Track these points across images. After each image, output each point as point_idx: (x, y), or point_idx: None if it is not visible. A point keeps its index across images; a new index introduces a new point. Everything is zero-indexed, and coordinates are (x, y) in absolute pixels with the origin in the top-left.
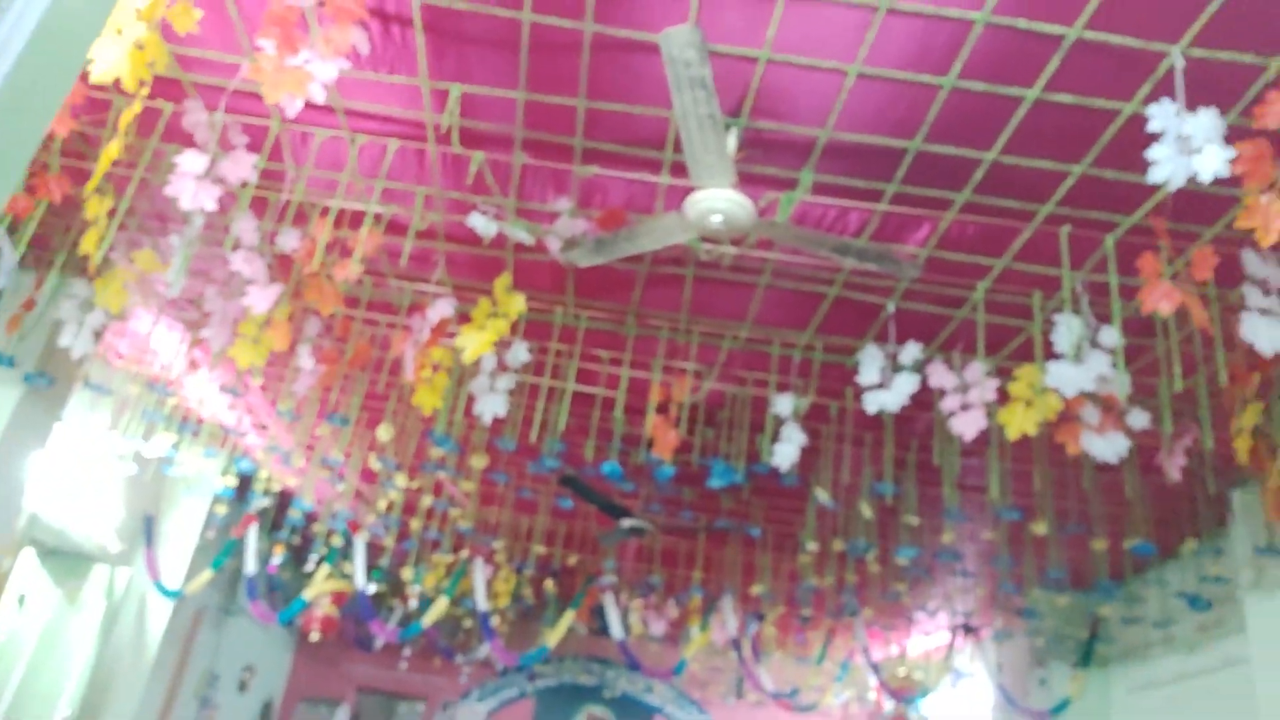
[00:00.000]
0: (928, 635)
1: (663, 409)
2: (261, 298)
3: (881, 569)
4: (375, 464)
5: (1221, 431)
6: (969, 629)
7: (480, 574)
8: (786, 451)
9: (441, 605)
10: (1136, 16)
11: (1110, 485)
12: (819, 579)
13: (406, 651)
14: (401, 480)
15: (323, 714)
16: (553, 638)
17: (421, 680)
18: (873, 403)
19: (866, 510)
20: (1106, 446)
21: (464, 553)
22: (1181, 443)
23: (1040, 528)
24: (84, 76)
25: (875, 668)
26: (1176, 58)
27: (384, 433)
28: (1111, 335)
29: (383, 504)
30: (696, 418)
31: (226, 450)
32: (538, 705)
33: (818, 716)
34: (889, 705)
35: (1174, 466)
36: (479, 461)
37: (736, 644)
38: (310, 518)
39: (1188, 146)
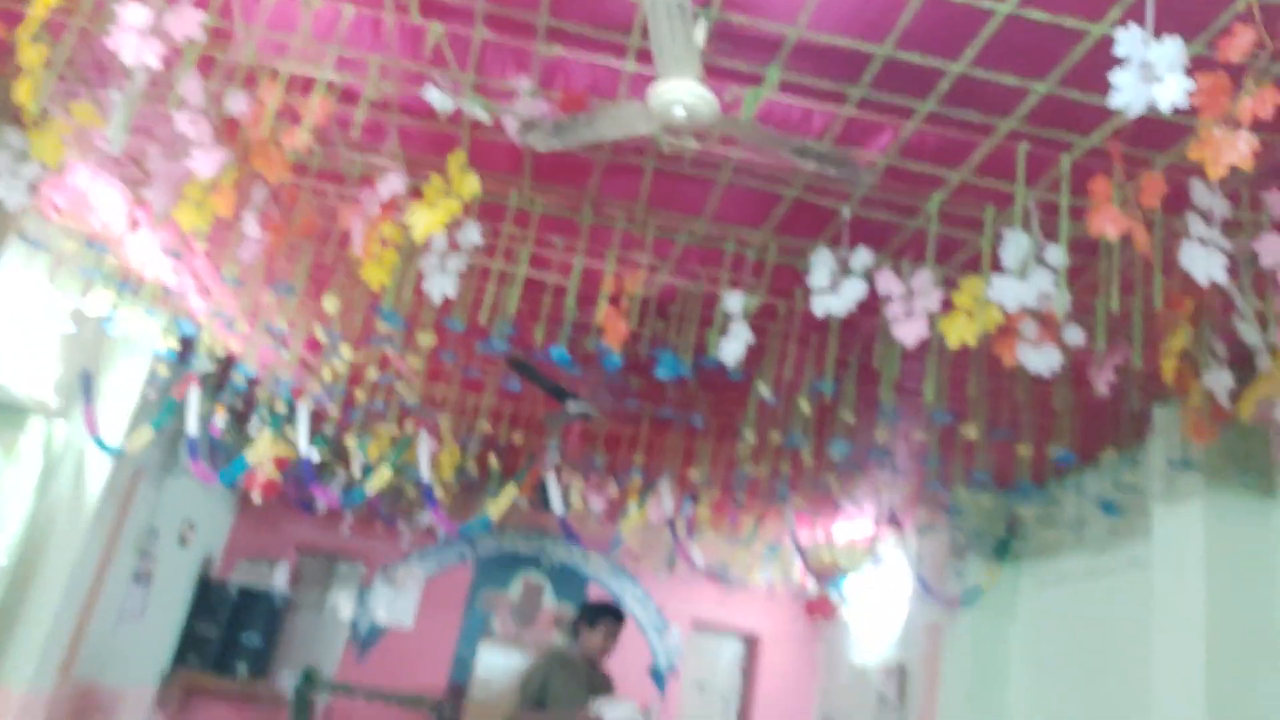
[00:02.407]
0: (853, 524)
1: (615, 300)
2: (207, 162)
3: (815, 462)
4: (321, 335)
5: (1151, 351)
6: (893, 520)
7: (425, 447)
8: (733, 349)
9: (385, 474)
10: None
11: (1040, 395)
12: (755, 468)
13: (348, 517)
14: (347, 352)
15: (263, 571)
16: (495, 510)
17: (362, 543)
18: (820, 306)
19: (805, 406)
20: (1041, 360)
21: (409, 425)
22: (1112, 359)
23: (971, 432)
24: None
25: (801, 551)
26: None
27: (330, 304)
28: (1057, 254)
29: (327, 374)
30: (648, 310)
31: (168, 311)
32: (476, 570)
33: (744, 592)
34: (812, 585)
35: (1102, 381)
36: (427, 339)
37: (672, 523)
38: (253, 383)
39: (1150, 74)
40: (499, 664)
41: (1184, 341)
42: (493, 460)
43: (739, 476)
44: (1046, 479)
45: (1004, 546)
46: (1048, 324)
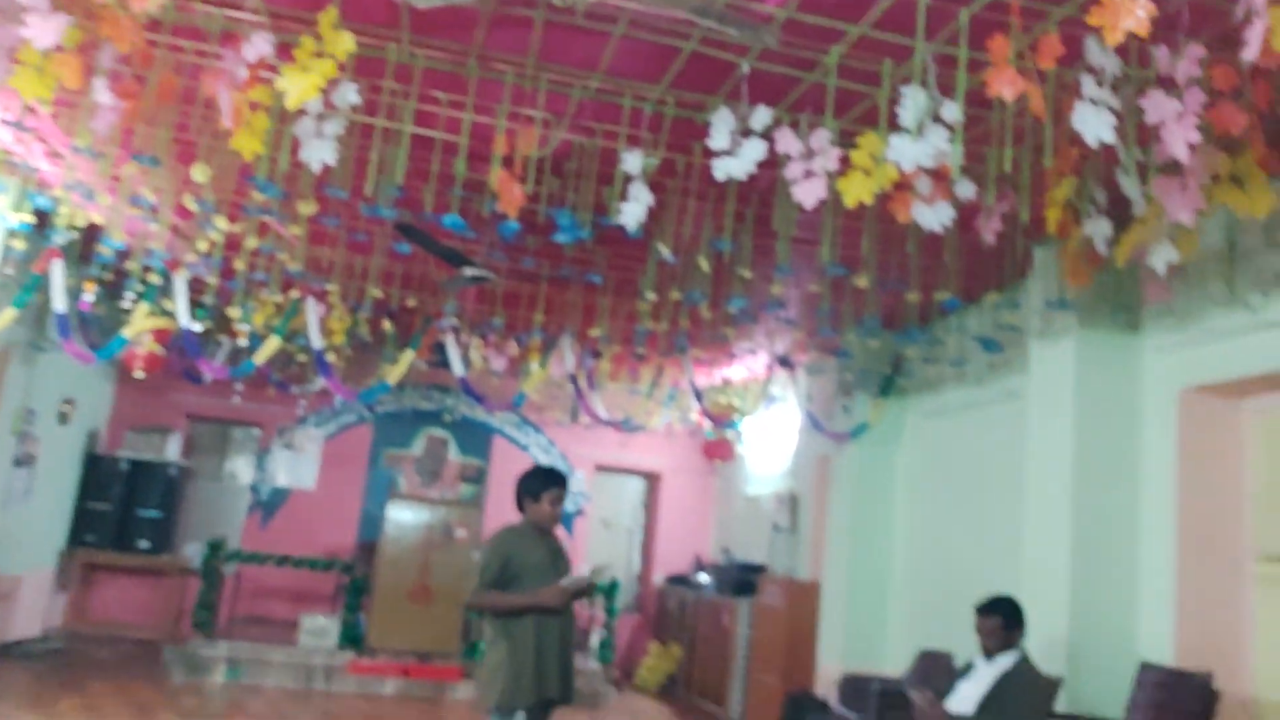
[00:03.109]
0: (747, 368)
1: (508, 162)
2: (44, 30)
3: (712, 315)
4: (192, 205)
5: (1036, 199)
6: (785, 363)
7: (313, 313)
8: (634, 211)
9: (274, 343)
10: None
11: (930, 243)
12: (655, 324)
13: (239, 386)
14: (222, 223)
15: (154, 442)
16: (393, 376)
17: (256, 408)
18: (721, 170)
19: (704, 264)
20: (933, 216)
21: (294, 293)
22: (999, 209)
23: (862, 282)
24: None
25: (699, 396)
26: None
27: (199, 174)
28: (953, 110)
29: (203, 244)
30: (544, 169)
31: (18, 182)
32: (376, 429)
33: (644, 434)
34: (708, 426)
35: (989, 230)
36: (307, 208)
37: (574, 378)
38: (123, 255)
39: None
40: (408, 520)
41: (1068, 192)
42: (387, 324)
43: (639, 332)
44: (931, 320)
45: (889, 383)
46: (940, 179)
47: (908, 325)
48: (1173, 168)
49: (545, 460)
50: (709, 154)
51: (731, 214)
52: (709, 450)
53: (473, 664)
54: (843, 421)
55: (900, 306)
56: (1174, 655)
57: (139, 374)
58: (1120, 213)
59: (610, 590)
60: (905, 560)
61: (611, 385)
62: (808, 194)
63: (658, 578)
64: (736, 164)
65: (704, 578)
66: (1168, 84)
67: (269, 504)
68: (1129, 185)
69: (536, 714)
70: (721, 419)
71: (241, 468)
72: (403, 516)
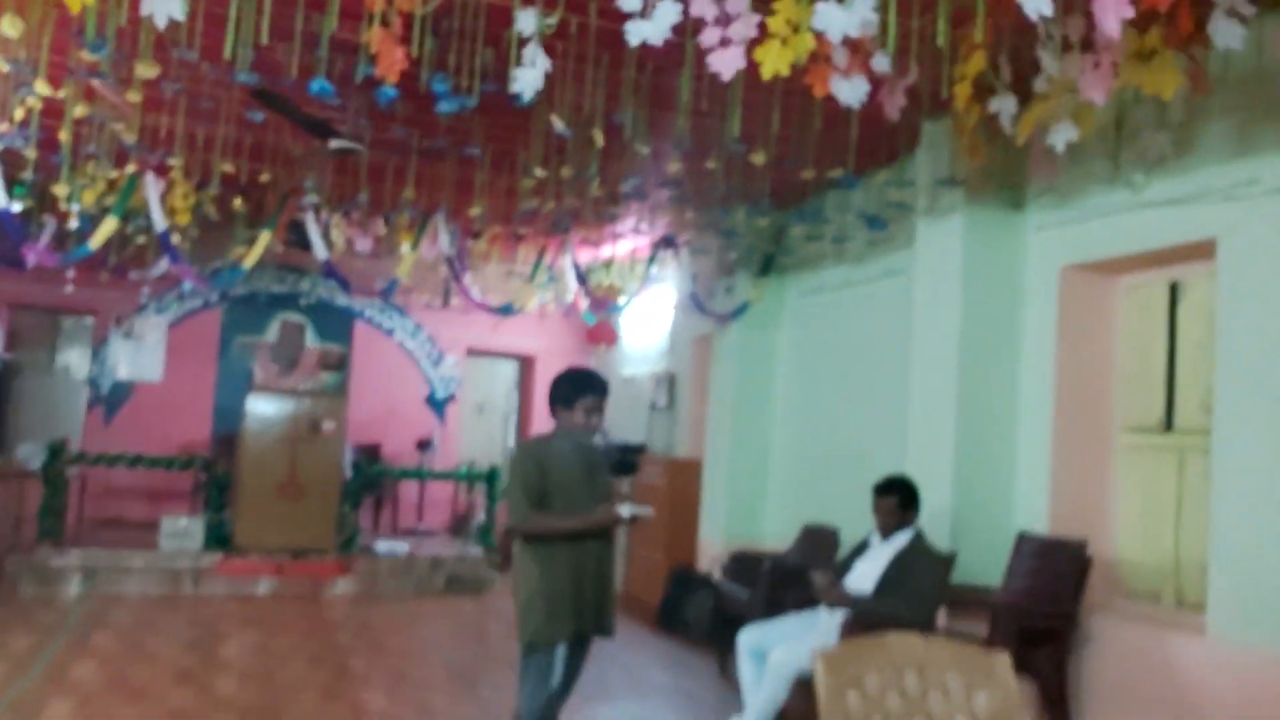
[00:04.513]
0: (629, 246)
1: (385, 19)
2: None
3: (602, 193)
4: (3, 65)
5: (935, 72)
6: (669, 243)
7: (153, 190)
8: (529, 77)
9: (111, 224)
10: None
11: (827, 118)
12: (540, 203)
13: (71, 272)
14: (43, 88)
15: None
16: (248, 260)
17: (90, 295)
18: (635, 34)
19: (599, 138)
20: (850, 91)
21: (130, 167)
22: (903, 82)
23: (759, 159)
24: None
25: (583, 278)
26: None
27: (9, 26)
28: None
29: (19, 112)
30: (423, 29)
31: None
32: (226, 315)
33: (517, 318)
34: (586, 307)
35: (894, 106)
36: (148, 70)
37: (450, 261)
38: None
39: None
40: (270, 413)
41: (980, 66)
42: (237, 203)
43: (521, 212)
44: (815, 196)
45: (769, 262)
46: (857, 51)
47: (803, 204)
48: (1086, 43)
49: (412, 345)
50: (604, 15)
51: (631, 84)
52: (593, 335)
53: (350, 558)
54: (725, 301)
55: (790, 183)
56: (1048, 524)
57: None
58: (1021, 90)
59: (492, 477)
60: (786, 437)
61: (488, 267)
62: (725, 64)
63: None
64: (651, 28)
65: None
66: None
67: (111, 399)
68: (1049, 61)
69: (575, 649)
70: (604, 302)
71: (76, 360)
72: (264, 409)
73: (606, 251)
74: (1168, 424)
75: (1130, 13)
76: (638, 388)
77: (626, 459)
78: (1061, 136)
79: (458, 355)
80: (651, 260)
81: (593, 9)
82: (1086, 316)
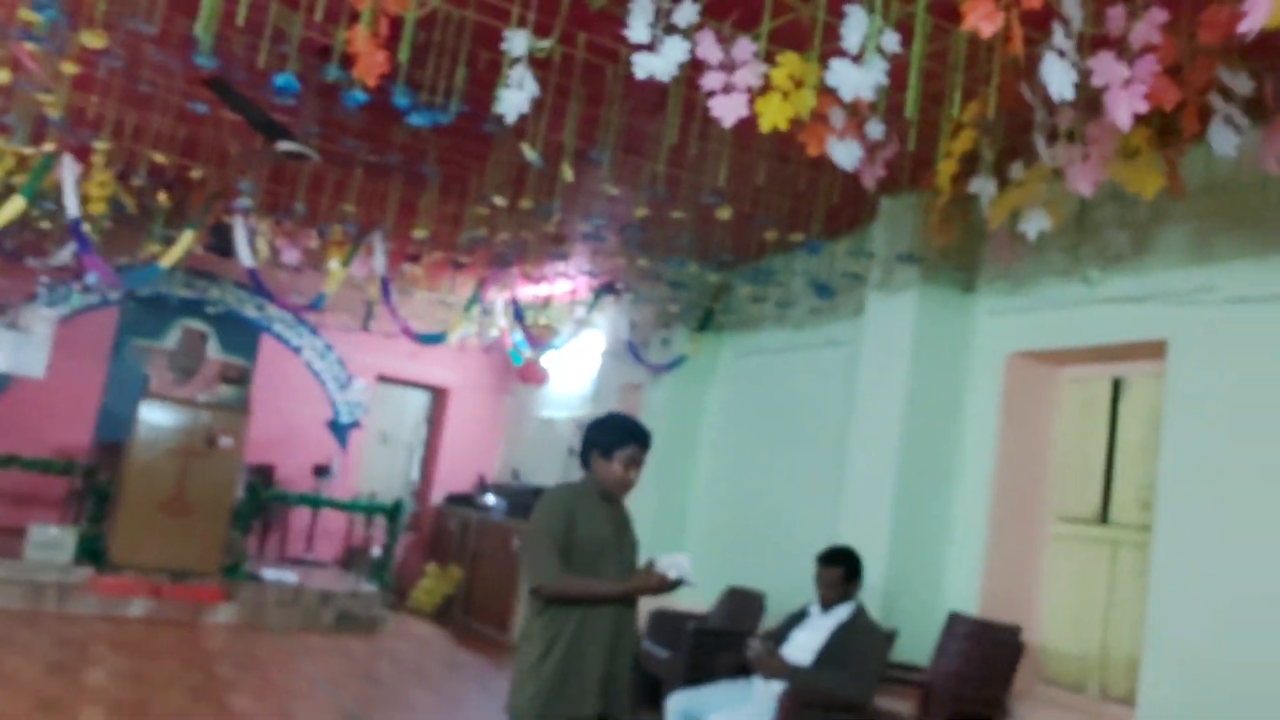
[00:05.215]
0: (570, 287)
1: (372, 20)
2: None
3: (554, 230)
4: None
5: (922, 149)
6: (611, 289)
7: (70, 173)
8: (515, 99)
9: (17, 204)
10: None
11: (792, 180)
12: (489, 233)
13: None
14: None
15: None
16: (167, 259)
17: None
18: (642, 67)
19: (568, 173)
20: (845, 153)
21: (48, 145)
22: (883, 154)
23: (725, 213)
24: None
25: (520, 315)
26: None
27: None
28: (893, 40)
29: None
30: (412, 35)
31: None
32: (122, 315)
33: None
34: (511, 345)
35: (871, 176)
36: (94, 40)
37: (386, 282)
38: None
39: None
40: (164, 423)
41: (968, 145)
42: (162, 197)
43: (466, 239)
44: (764, 258)
45: (708, 317)
46: (855, 114)
47: (747, 261)
48: (1072, 135)
49: (320, 366)
50: (592, 49)
51: (610, 122)
52: (524, 373)
53: (234, 584)
54: (660, 353)
55: (747, 242)
56: (978, 606)
57: None
58: (998, 175)
59: (395, 510)
60: (710, 496)
61: (417, 293)
62: (727, 110)
63: (437, 497)
64: (660, 62)
65: (491, 499)
66: (1115, 45)
67: None
68: (1042, 148)
69: None
70: (541, 340)
71: None
72: (157, 418)
73: (544, 290)
74: (1103, 517)
75: (1144, 107)
76: (556, 431)
77: (535, 502)
78: (1034, 224)
79: (368, 380)
80: (593, 304)
81: (580, 40)
82: (1029, 404)
